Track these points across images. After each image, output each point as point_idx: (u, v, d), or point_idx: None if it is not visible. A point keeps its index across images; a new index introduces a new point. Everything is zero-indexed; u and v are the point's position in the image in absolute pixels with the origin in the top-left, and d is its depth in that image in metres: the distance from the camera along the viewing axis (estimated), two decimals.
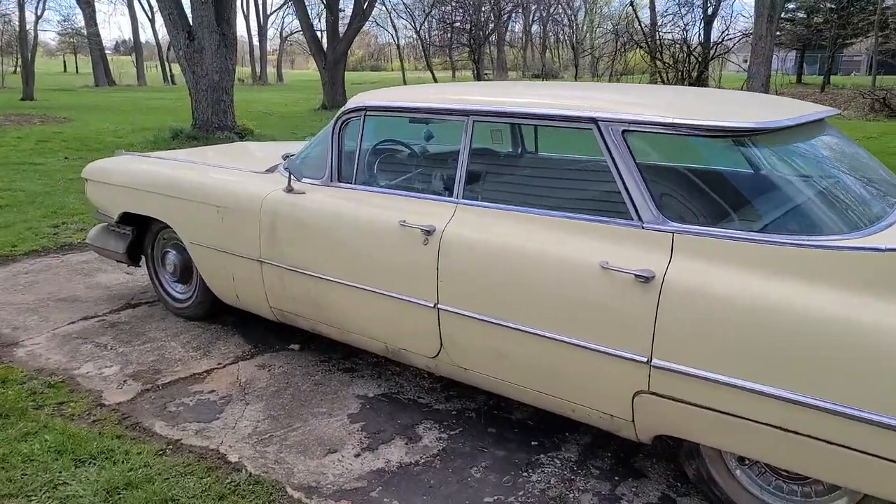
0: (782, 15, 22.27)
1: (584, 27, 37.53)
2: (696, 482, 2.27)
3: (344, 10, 19.32)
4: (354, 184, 2.99)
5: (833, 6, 23.96)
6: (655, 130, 2.25)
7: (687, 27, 18.44)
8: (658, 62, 17.83)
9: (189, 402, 3.02)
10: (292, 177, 3.09)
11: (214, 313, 3.88)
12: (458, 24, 26.70)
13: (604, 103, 2.37)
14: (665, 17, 20.09)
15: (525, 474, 2.50)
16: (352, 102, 3.03)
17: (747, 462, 2.17)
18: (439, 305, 2.60)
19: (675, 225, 2.15)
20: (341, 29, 18.31)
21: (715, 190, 2.36)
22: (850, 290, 1.84)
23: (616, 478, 2.49)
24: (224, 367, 3.36)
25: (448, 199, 2.68)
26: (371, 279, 2.79)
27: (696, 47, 18.19)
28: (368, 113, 2.97)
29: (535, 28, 44.47)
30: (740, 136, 2.20)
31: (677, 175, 2.53)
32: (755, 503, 2.14)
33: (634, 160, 2.25)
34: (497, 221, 2.51)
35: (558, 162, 3.28)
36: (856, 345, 1.79)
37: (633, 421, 2.24)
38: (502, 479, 2.47)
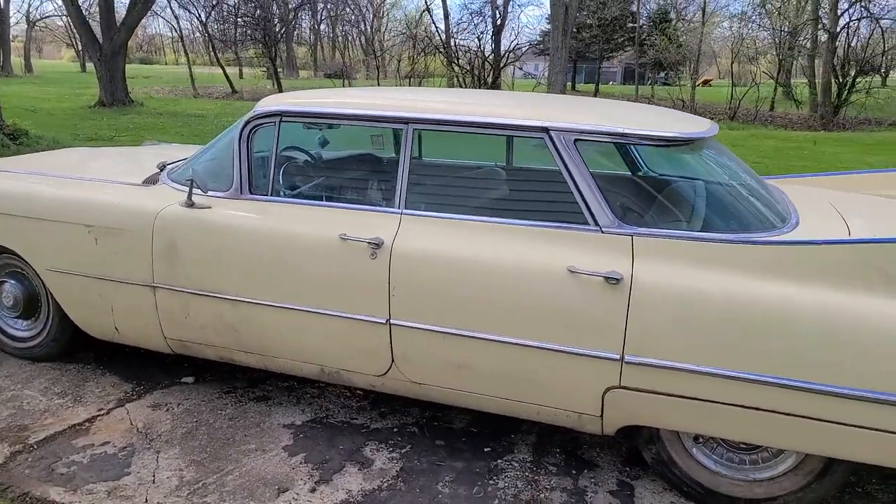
0: None
1: (374, 29, 37.89)
2: (654, 465, 2.44)
3: None
4: (270, 195, 2.75)
5: (598, 24, 26.94)
6: (605, 140, 2.38)
7: (481, 36, 19.52)
8: (455, 67, 18.65)
9: (82, 460, 2.56)
10: (194, 189, 2.75)
11: (71, 350, 3.34)
12: (247, 17, 25.43)
13: (556, 113, 2.44)
14: (459, 24, 21.12)
15: (492, 482, 2.50)
16: (264, 106, 2.78)
17: (701, 440, 2.38)
18: (392, 321, 2.49)
19: (631, 228, 2.28)
20: (117, 17, 16.56)
21: (660, 194, 2.54)
22: (790, 278, 2.10)
23: (573, 471, 2.59)
24: (108, 412, 2.90)
25: (390, 209, 2.57)
26: (306, 298, 2.59)
27: (490, 55, 19.30)
28: (285, 118, 2.74)
29: (323, 27, 44.07)
30: (679, 145, 2.41)
31: (622, 181, 2.68)
32: (710, 476, 2.36)
33: (587, 168, 2.35)
34: (448, 231, 2.47)
35: (496, 170, 3.28)
36: (799, 326, 2.05)
37: (601, 416, 2.35)
38: (472, 491, 2.45)
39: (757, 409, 2.13)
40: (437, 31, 21.22)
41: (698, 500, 2.39)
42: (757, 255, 2.15)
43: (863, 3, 18.10)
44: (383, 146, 3.60)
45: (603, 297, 2.23)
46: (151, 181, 3.06)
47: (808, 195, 2.84)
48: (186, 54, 27.56)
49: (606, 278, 2.21)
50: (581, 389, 2.33)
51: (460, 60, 20.07)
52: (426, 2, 21.58)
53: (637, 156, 2.86)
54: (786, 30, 21.78)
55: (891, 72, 23.68)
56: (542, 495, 2.44)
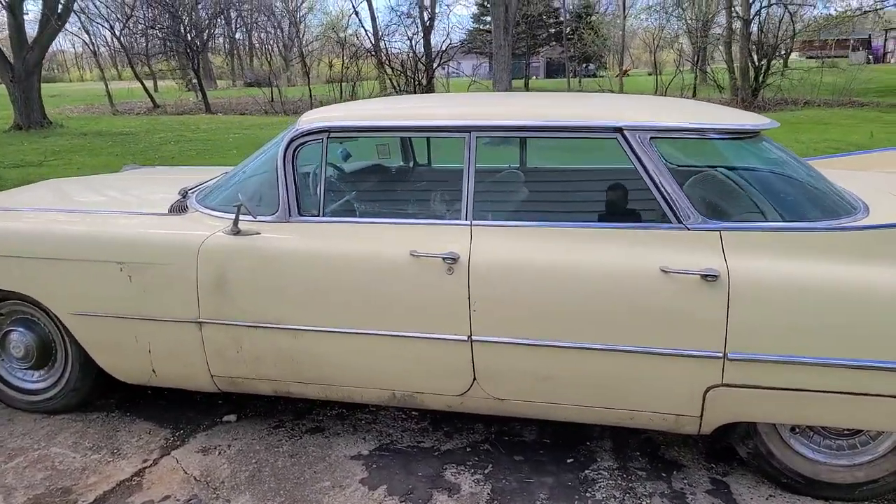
0: (483, 27, 24.96)
1: (291, 36, 37.09)
2: (751, 459, 2.44)
3: (28, 13, 16.39)
4: (323, 216, 2.59)
5: (524, 20, 27.35)
6: (681, 136, 2.36)
7: (413, 38, 19.39)
8: (388, 69, 18.48)
9: None
10: (241, 216, 2.57)
11: (90, 399, 3.07)
12: (163, 29, 24.38)
13: (627, 112, 2.40)
14: (389, 27, 20.93)
15: (589, 494, 2.44)
16: (307, 124, 2.61)
17: (798, 430, 2.39)
18: (473, 337, 2.39)
19: (717, 223, 2.27)
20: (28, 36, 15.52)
21: (738, 187, 2.54)
22: (880, 261, 2.13)
23: (663, 474, 2.56)
24: (155, 462, 2.67)
25: (457, 221, 2.47)
26: (375, 321, 2.46)
27: (422, 56, 19.22)
28: (333, 134, 2.59)
29: (239, 35, 42.82)
30: (747, 138, 2.41)
31: (702, 177, 2.64)
32: (810, 465, 2.37)
33: (665, 165, 2.32)
34: (522, 239, 2.39)
35: (554, 173, 3.20)
36: (889, 306, 2.08)
37: (700, 416, 2.32)
38: None
39: (858, 394, 2.15)
40: (366, 34, 21.03)
41: (798, 490, 2.40)
42: (846, 240, 2.17)
43: None
44: (389, 155, 3.50)
45: (701, 295, 2.20)
46: (179, 209, 2.84)
47: (848, 179, 2.90)
48: (101, 70, 26.22)
49: (703, 276, 2.18)
50: (680, 390, 2.30)
51: (392, 63, 19.92)
52: (353, 5, 21.32)
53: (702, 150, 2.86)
54: (700, 19, 22.68)
55: (791, 54, 24.99)
56: (644, 502, 2.39)
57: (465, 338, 2.39)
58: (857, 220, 2.25)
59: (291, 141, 2.61)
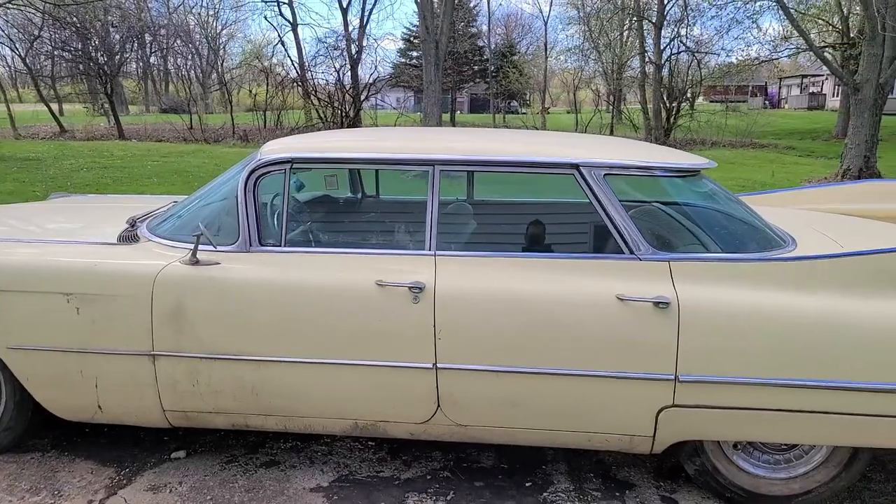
0: (410, 61, 25.47)
1: (210, 63, 36.48)
2: (698, 476, 2.58)
3: None
4: (285, 246, 2.60)
5: (451, 56, 28.01)
6: (632, 173, 2.52)
7: (340, 70, 19.45)
8: (315, 100, 18.43)
9: None
10: (200, 245, 2.53)
11: (24, 440, 2.91)
12: (74, 51, 23.39)
13: (584, 150, 2.54)
14: (316, 58, 20.93)
15: None
16: (270, 154, 2.62)
17: (739, 446, 2.55)
18: (438, 365, 2.44)
19: (666, 254, 2.43)
20: None
21: (680, 221, 2.72)
22: (812, 289, 2.33)
23: (617, 493, 2.67)
24: (103, 503, 2.56)
25: (421, 251, 2.53)
26: (343, 351, 2.47)
27: (349, 88, 19.29)
28: (296, 165, 2.61)
29: (154, 60, 41.62)
30: (690, 176, 2.61)
31: (648, 211, 2.81)
32: (751, 479, 2.54)
33: (618, 200, 2.48)
34: (486, 269, 2.48)
35: (504, 206, 3.30)
36: (823, 330, 2.28)
37: (653, 436, 2.45)
38: None
39: (796, 410, 2.33)
40: (292, 63, 20.91)
41: (741, 503, 2.56)
42: (779, 270, 2.37)
43: (680, 39, 20.41)
44: (337, 186, 3.55)
45: (654, 322, 2.34)
46: (129, 238, 2.77)
47: (773, 214, 3.16)
48: (3, 91, 24.81)
49: (655, 303, 2.33)
50: (635, 412, 2.42)
51: (318, 94, 19.89)
52: (279, 34, 21.20)
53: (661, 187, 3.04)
54: (615, 62, 23.92)
55: (698, 98, 26.65)
56: None
57: (430, 365, 2.44)
58: (788, 252, 2.47)
59: (254, 171, 2.61)
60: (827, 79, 37.86)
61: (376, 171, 3.65)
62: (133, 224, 2.91)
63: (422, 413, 2.52)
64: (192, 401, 2.60)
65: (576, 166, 2.49)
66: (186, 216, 2.81)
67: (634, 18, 22.14)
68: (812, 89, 40.42)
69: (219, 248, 2.57)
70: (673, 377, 2.35)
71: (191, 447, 2.95)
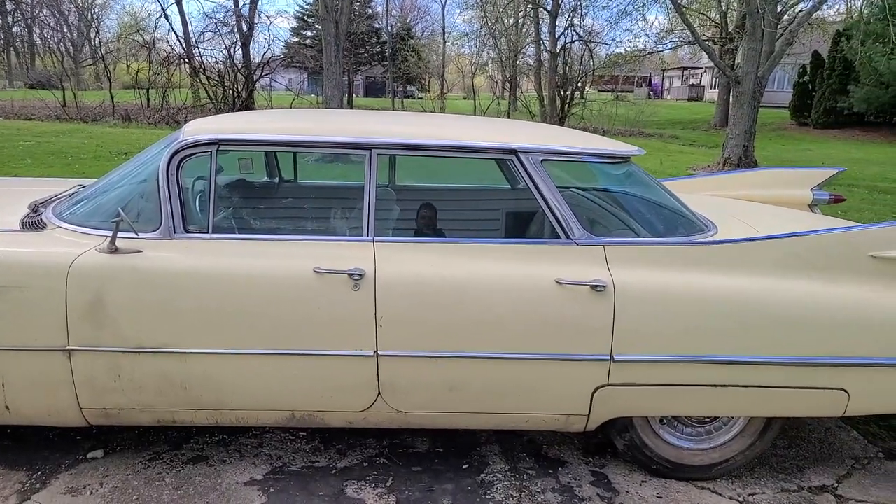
0: (303, 41, 24.75)
1: (83, 35, 33.89)
2: (626, 450, 2.70)
3: None
4: (212, 232, 2.47)
5: (348, 40, 27.50)
6: (567, 158, 2.58)
7: (231, 47, 18.54)
8: (204, 78, 17.53)
9: None
10: (119, 231, 2.36)
11: None
12: None
13: (522, 136, 2.57)
14: (204, 33, 19.85)
15: (489, 496, 2.55)
16: (194, 135, 2.48)
17: (665, 421, 2.70)
18: (379, 352, 2.41)
19: (601, 238, 2.52)
20: None
21: (612, 206, 2.81)
22: (734, 270, 2.49)
23: (550, 471, 2.75)
24: None
25: (359, 237, 2.48)
26: (276, 341, 2.39)
27: (241, 67, 18.48)
28: (223, 147, 2.48)
29: (16, 30, 38.07)
30: (620, 162, 2.71)
31: (577, 196, 2.88)
32: (675, 451, 2.69)
33: (555, 185, 2.53)
34: (426, 255, 2.47)
35: (449, 192, 3.26)
36: (742, 309, 2.45)
37: (588, 414, 2.54)
38: None
39: (718, 385, 2.49)
40: (177, 38, 19.77)
41: (666, 474, 2.71)
42: (705, 253, 2.51)
43: (573, 28, 21.07)
44: (252, 170, 3.43)
45: (591, 304, 2.42)
46: (34, 224, 2.54)
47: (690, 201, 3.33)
48: None
49: (593, 286, 2.41)
50: (572, 392, 2.50)
51: (208, 72, 18.97)
52: (161, 7, 19.99)
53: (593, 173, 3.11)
54: (511, 49, 24.38)
55: (587, 87, 27.70)
56: (539, 498, 2.56)
57: (371, 353, 2.41)
58: (711, 236, 2.61)
59: (176, 152, 2.46)
60: (706, 71, 40.39)
61: (294, 155, 3.55)
62: (35, 209, 2.68)
63: (362, 401, 2.48)
64: (114, 397, 2.43)
65: (514, 151, 2.52)
66: (99, 200, 2.61)
67: (530, 6, 22.61)
68: (692, 81, 43.01)
69: (140, 234, 2.41)
70: (608, 357, 2.44)
71: (108, 446, 2.77)
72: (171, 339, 2.37)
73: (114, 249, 2.37)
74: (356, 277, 2.37)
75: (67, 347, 2.35)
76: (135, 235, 2.39)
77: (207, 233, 2.46)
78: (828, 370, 2.47)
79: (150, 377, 2.40)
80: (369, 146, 2.50)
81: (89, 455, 2.70)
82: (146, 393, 2.43)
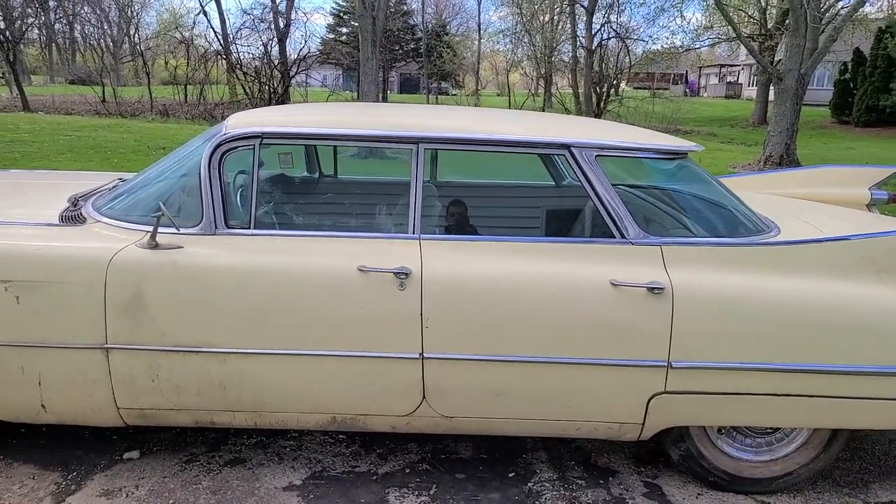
0: (339, 37, 24.82)
1: (123, 31, 34.46)
2: (682, 461, 2.56)
3: None
4: (254, 228, 2.39)
5: (384, 36, 27.54)
6: (623, 154, 2.45)
7: (268, 44, 18.62)
8: (241, 74, 17.64)
9: None
10: (159, 227, 2.30)
11: None
12: None
13: (576, 131, 2.45)
14: (241, 30, 20.00)
15: None
16: (237, 128, 2.40)
17: (723, 431, 2.55)
18: (425, 354, 2.31)
19: (658, 238, 2.38)
20: None
21: (668, 205, 2.67)
22: (799, 273, 2.34)
23: (601, 481, 2.62)
24: None
25: (405, 235, 2.38)
26: (321, 341, 2.30)
27: (278, 63, 18.58)
28: (266, 141, 2.40)
29: (59, 26, 38.84)
30: (678, 158, 2.56)
31: (631, 194, 2.74)
32: (734, 463, 2.54)
33: (610, 182, 2.40)
34: (474, 254, 2.36)
35: (493, 189, 3.17)
36: (811, 314, 2.30)
37: (643, 423, 2.40)
38: None
39: (782, 394, 2.34)
40: (215, 35, 19.95)
41: (723, 487, 2.56)
42: (768, 255, 2.36)
43: (610, 25, 20.76)
44: (292, 164, 3.35)
45: (648, 307, 2.28)
46: (73, 219, 2.49)
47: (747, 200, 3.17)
48: None
49: (650, 288, 2.27)
50: (626, 400, 2.37)
51: (244, 68, 19.10)
52: (201, 4, 20.16)
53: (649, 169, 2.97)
54: (547, 46, 24.13)
55: (621, 84, 27.31)
56: None
57: (417, 355, 2.31)
58: (774, 237, 2.45)
59: (219, 146, 2.38)
60: (743, 69, 39.54)
61: (334, 149, 3.48)
62: (75, 203, 2.63)
63: (406, 405, 2.38)
64: (151, 397, 2.37)
65: (567, 146, 2.40)
66: (139, 195, 2.55)
67: (567, 3, 22.34)
68: (729, 78, 42.15)
69: (181, 230, 2.34)
70: (666, 363, 2.30)
71: (144, 446, 2.71)
72: (211, 338, 2.29)
73: (154, 245, 2.30)
74: (402, 276, 2.27)
75: (105, 345, 2.30)
76: (175, 230, 2.32)
77: (249, 228, 2.39)
78: None
79: (188, 377, 2.33)
80: (417, 140, 2.39)
81: (125, 456, 2.65)
82: (185, 393, 2.36)
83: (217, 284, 2.28)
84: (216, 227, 2.36)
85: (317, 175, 3.53)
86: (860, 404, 2.36)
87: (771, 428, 2.55)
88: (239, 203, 2.59)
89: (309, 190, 3.22)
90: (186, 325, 2.29)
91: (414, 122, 2.49)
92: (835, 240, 2.39)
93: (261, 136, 2.39)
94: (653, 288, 2.27)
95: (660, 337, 2.29)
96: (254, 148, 2.39)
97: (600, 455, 2.80)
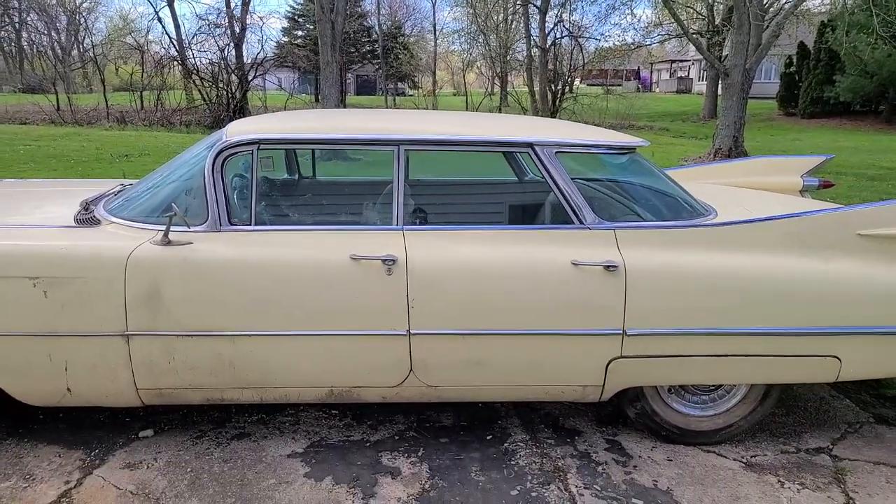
0: (294, 41, 25.02)
1: (73, 38, 33.81)
2: (638, 418, 2.94)
3: None
4: (255, 225, 2.68)
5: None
6: (579, 150, 2.81)
7: (224, 49, 18.66)
8: (198, 79, 17.66)
9: None
10: (171, 226, 2.57)
11: None
12: None
13: (538, 130, 2.79)
14: (197, 35, 19.95)
15: (513, 462, 2.78)
16: (236, 135, 2.69)
17: (673, 390, 2.93)
18: (411, 331, 2.63)
19: (611, 223, 2.74)
20: None
21: (619, 194, 3.03)
22: (733, 250, 2.71)
23: (568, 440, 2.98)
24: (80, 482, 2.56)
25: (390, 227, 2.70)
26: (320, 322, 2.60)
27: (235, 68, 18.62)
28: (263, 146, 2.69)
29: (2, 34, 37.87)
30: (627, 153, 2.94)
31: (587, 186, 3.10)
32: (683, 418, 2.92)
33: (568, 175, 2.76)
34: (451, 241, 2.69)
35: (462, 185, 3.48)
36: (743, 285, 2.68)
37: (603, 385, 2.77)
38: (504, 473, 2.70)
39: (721, 355, 2.72)
40: (170, 41, 19.90)
41: (674, 440, 2.94)
42: (707, 235, 2.74)
43: (563, 24, 21.33)
44: (273, 168, 3.64)
45: (604, 283, 2.64)
46: (89, 221, 2.74)
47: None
48: None
49: (606, 267, 2.63)
50: (588, 364, 2.72)
51: (201, 73, 19.09)
52: (154, 9, 20.10)
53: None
54: (502, 46, 24.60)
55: (576, 81, 27.95)
56: (559, 463, 2.79)
57: (405, 332, 2.62)
58: (711, 220, 2.84)
59: (221, 151, 2.67)
60: (693, 64, 40.73)
61: (312, 153, 3.77)
62: (87, 207, 2.87)
63: (395, 377, 2.70)
64: (168, 378, 2.64)
65: (530, 145, 2.74)
66: (148, 197, 2.81)
67: (519, 3, 22.82)
68: (680, 74, 43.39)
69: (191, 228, 2.62)
70: (621, 332, 2.66)
71: (156, 426, 2.98)
72: (222, 323, 2.58)
73: (167, 242, 2.58)
74: (389, 263, 2.59)
75: (126, 332, 2.56)
76: (186, 228, 2.60)
77: (250, 225, 2.67)
78: (820, 339, 2.71)
79: (201, 358, 2.61)
80: (398, 142, 2.71)
81: (140, 434, 2.91)
82: (198, 373, 2.64)
83: (225, 275, 2.57)
84: (220, 225, 2.64)
85: (297, 176, 3.81)
86: (787, 361, 2.75)
87: (714, 385, 2.94)
88: (236, 202, 2.87)
89: (297, 190, 3.50)
90: (199, 312, 2.56)
91: (394, 126, 2.81)
92: (763, 220, 2.78)
93: (258, 142, 2.68)
94: (608, 266, 2.63)
95: (615, 308, 2.65)
96: (252, 153, 2.68)
97: (567, 418, 3.16)
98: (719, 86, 14.30)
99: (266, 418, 3.08)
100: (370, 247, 2.62)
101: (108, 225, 2.72)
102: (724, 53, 19.93)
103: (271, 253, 2.60)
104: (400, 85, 32.63)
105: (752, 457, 2.90)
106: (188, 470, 2.66)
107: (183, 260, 2.56)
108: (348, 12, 26.31)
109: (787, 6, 13.27)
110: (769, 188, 3.99)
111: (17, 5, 35.68)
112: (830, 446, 3.00)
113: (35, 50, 40.66)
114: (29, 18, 38.10)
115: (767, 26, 12.73)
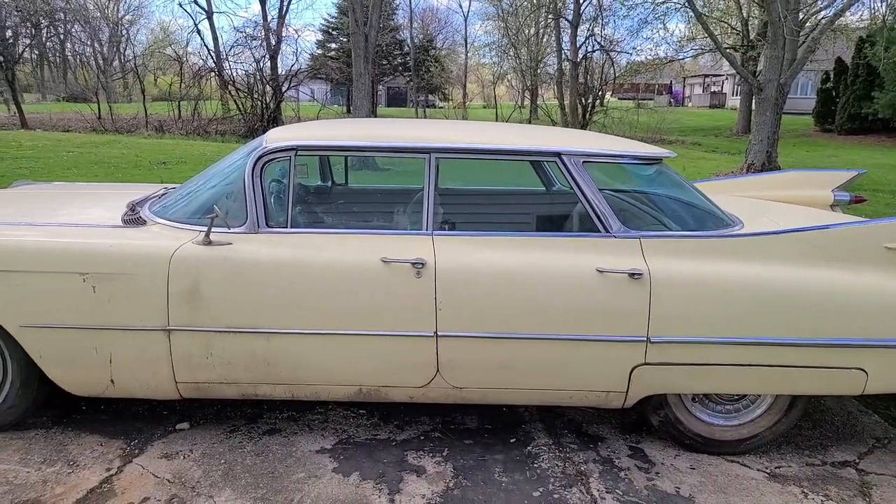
0: (328, 53, 25.49)
1: (114, 50, 34.85)
2: (661, 426, 2.97)
3: None
4: (291, 227, 2.79)
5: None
6: (606, 161, 2.88)
7: (260, 61, 19.11)
8: (233, 89, 18.08)
9: None
10: (213, 227, 2.70)
11: (24, 418, 2.97)
12: None
13: (565, 140, 2.87)
14: (234, 47, 20.49)
15: (536, 465, 2.84)
16: (275, 142, 2.81)
17: (697, 398, 2.96)
18: (439, 333, 2.71)
19: (637, 232, 2.80)
20: None
21: (646, 204, 3.09)
22: (759, 260, 2.74)
23: (591, 445, 3.02)
24: (121, 470, 2.68)
25: (420, 231, 2.79)
26: (349, 322, 2.69)
27: (270, 79, 19.03)
28: (300, 153, 2.81)
29: (50, 45, 39.20)
30: (654, 163, 2.99)
31: (614, 195, 3.17)
32: (707, 427, 2.95)
33: (595, 184, 2.82)
34: (479, 247, 2.77)
35: (493, 195, 3.58)
36: (770, 295, 2.71)
37: (626, 391, 2.81)
38: (527, 475, 2.76)
39: (745, 365, 2.75)
40: (208, 52, 20.45)
41: (698, 448, 2.96)
42: (733, 246, 2.77)
43: (595, 38, 21.37)
44: (307, 175, 3.76)
45: (629, 290, 2.70)
46: (135, 221, 2.89)
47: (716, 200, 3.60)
48: None
49: (630, 274, 2.69)
50: (612, 370, 2.77)
51: (237, 84, 19.53)
52: (194, 22, 20.66)
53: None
54: (533, 59, 24.72)
55: (606, 95, 27.90)
56: (582, 467, 2.84)
57: (432, 333, 2.71)
58: (738, 230, 2.88)
59: (260, 157, 2.79)
60: (727, 79, 40.38)
61: (345, 160, 3.90)
62: (133, 208, 3.02)
63: (422, 378, 2.78)
64: (205, 372, 2.76)
65: (558, 154, 2.82)
66: (190, 200, 2.95)
67: (551, 17, 22.94)
68: (713, 88, 43.05)
69: (231, 229, 2.74)
70: (645, 339, 2.71)
71: (192, 420, 3.09)
72: (258, 321, 2.69)
73: (208, 242, 2.70)
74: (418, 266, 2.68)
75: (168, 327, 2.68)
76: (226, 230, 2.72)
77: (287, 227, 2.79)
78: (847, 351, 2.72)
79: (238, 354, 2.72)
80: (429, 150, 2.81)
81: (177, 427, 3.03)
82: (233, 368, 2.75)
83: (262, 275, 2.68)
84: (258, 227, 2.76)
85: (329, 183, 3.94)
86: (812, 372, 2.77)
87: (738, 395, 2.96)
88: (273, 205, 2.99)
89: (330, 196, 3.62)
90: (236, 310, 2.68)
91: (425, 134, 2.91)
92: (789, 232, 2.81)
93: (295, 148, 2.80)
94: (633, 274, 2.68)
95: (640, 316, 2.70)
96: (290, 159, 2.80)
97: (590, 425, 3.21)
98: (753, 101, 14.18)
99: (296, 415, 3.18)
100: (400, 250, 2.71)
101: (153, 225, 2.85)
102: (758, 68, 19.77)
103: (306, 254, 2.71)
104: (430, 97, 33.01)
105: (776, 468, 2.91)
106: (222, 462, 2.76)
107: (223, 259, 2.68)
108: (381, 26, 26.73)
109: (823, 21, 13.14)
110: (799, 202, 4.00)
111: (62, 17, 36.88)
112: (857, 460, 3.00)
113: (78, 60, 42.08)
114: (73, 30, 39.41)
115: (804, 42, 12.62)
